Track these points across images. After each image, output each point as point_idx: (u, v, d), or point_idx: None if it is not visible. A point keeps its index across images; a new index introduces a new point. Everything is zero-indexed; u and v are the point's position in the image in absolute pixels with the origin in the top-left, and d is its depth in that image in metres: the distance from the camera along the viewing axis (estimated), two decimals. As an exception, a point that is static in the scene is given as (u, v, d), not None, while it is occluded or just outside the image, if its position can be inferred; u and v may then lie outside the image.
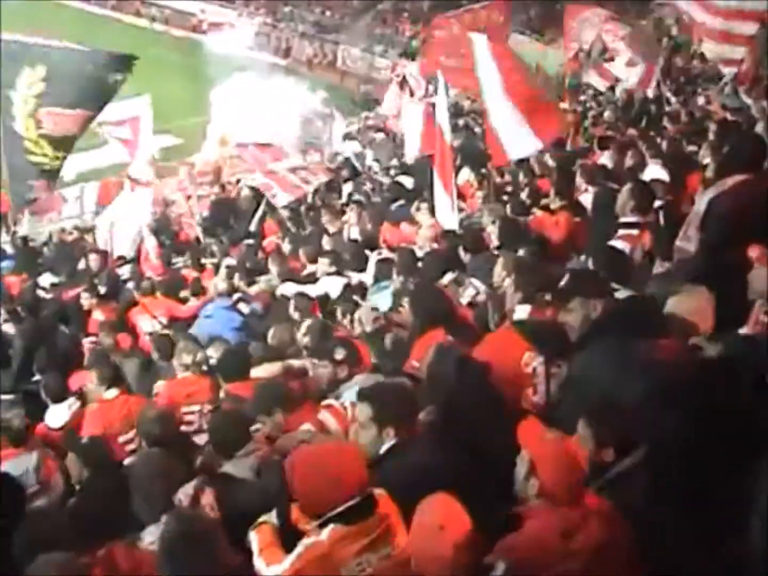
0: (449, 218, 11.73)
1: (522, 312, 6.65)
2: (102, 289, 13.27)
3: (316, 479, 4.55)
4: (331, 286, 11.14)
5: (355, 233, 14.44)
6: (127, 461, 7.58)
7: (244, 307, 11.66)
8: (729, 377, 4.38)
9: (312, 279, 11.73)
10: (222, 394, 8.02)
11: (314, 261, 12.28)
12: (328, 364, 7.54)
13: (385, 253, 11.93)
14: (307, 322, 8.78)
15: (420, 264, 10.46)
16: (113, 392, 8.73)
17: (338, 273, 11.61)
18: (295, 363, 8.01)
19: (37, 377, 10.09)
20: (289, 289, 11.42)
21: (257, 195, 18.78)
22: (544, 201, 12.08)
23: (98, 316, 12.15)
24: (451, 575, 3.88)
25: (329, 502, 4.51)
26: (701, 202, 6.90)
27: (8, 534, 5.82)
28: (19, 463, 7.80)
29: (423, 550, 3.99)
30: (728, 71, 15.81)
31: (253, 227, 18.02)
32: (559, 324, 6.27)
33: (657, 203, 8.50)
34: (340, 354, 7.56)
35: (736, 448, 4.01)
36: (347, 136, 26.95)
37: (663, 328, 5.43)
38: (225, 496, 5.73)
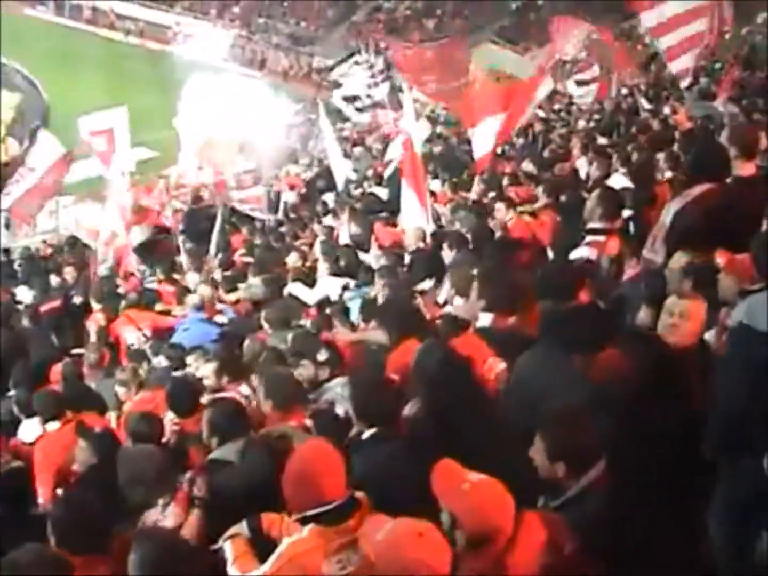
0: (421, 225, 11.82)
1: (485, 319, 6.70)
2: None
3: (298, 478, 4.62)
4: (331, 287, 11.29)
5: (345, 237, 14.43)
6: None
7: (221, 318, 11.69)
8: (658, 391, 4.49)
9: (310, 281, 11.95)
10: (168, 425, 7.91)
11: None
12: (310, 364, 7.60)
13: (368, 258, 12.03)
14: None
15: (405, 264, 10.59)
16: (55, 424, 8.51)
17: (337, 275, 11.73)
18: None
19: (11, 392, 10.01)
20: (296, 289, 11.58)
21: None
22: (524, 207, 12.18)
23: (100, 318, 12.11)
24: None
25: (310, 501, 4.57)
26: (667, 214, 6.97)
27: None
28: None
29: (396, 558, 3.86)
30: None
31: (214, 239, 17.97)
32: (521, 331, 6.36)
33: (627, 213, 8.56)
34: (322, 355, 7.65)
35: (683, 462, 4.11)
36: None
37: (605, 339, 5.48)
38: (212, 480, 5.78)
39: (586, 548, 4.08)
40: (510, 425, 5.06)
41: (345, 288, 11.27)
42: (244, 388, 7.83)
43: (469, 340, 6.51)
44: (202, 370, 8.43)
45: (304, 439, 5.76)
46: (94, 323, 12.04)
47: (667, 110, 21.02)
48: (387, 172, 19.57)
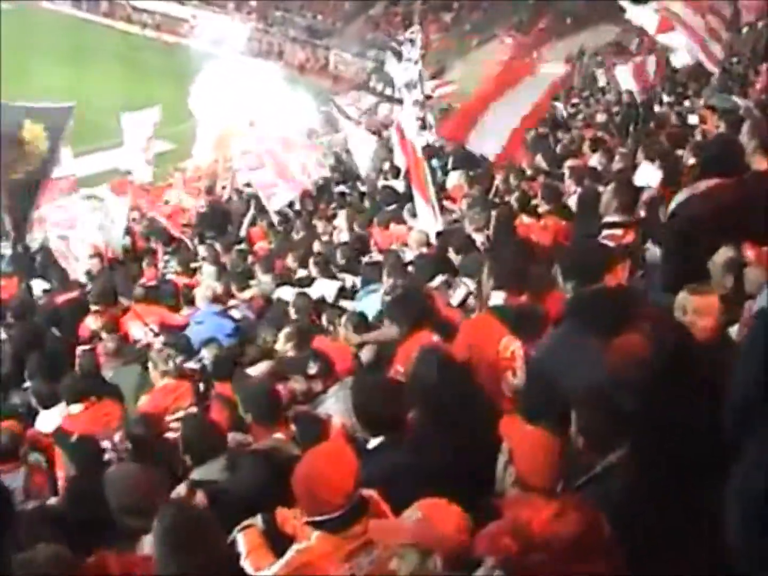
0: (431, 227, 11.83)
1: (497, 298, 6.68)
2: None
3: (310, 481, 4.59)
4: (327, 289, 11.19)
5: (344, 236, 14.44)
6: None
7: (235, 313, 11.67)
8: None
9: (306, 282, 11.75)
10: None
11: (304, 265, 12.38)
12: (302, 379, 7.56)
13: (375, 256, 11.98)
14: (286, 329, 8.74)
15: (410, 267, 10.50)
16: (79, 407, 8.56)
17: (333, 276, 11.65)
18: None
19: (27, 384, 10.03)
20: (285, 293, 11.44)
21: (246, 199, 18.85)
22: (534, 202, 12.14)
23: (91, 323, 12.06)
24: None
25: (318, 505, 4.55)
26: (672, 205, 6.94)
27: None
28: (6, 481, 7.49)
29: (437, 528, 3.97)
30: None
31: (243, 232, 18.04)
32: (536, 308, 6.35)
33: (643, 213, 8.53)
34: (312, 369, 7.59)
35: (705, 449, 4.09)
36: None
37: (626, 323, 5.46)
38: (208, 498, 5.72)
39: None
40: (527, 411, 5.03)
41: (341, 290, 11.22)
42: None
43: (483, 319, 6.52)
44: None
45: (293, 450, 5.76)
46: (86, 328, 11.96)
47: (687, 104, 20.96)
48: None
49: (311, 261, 12.20)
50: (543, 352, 5.87)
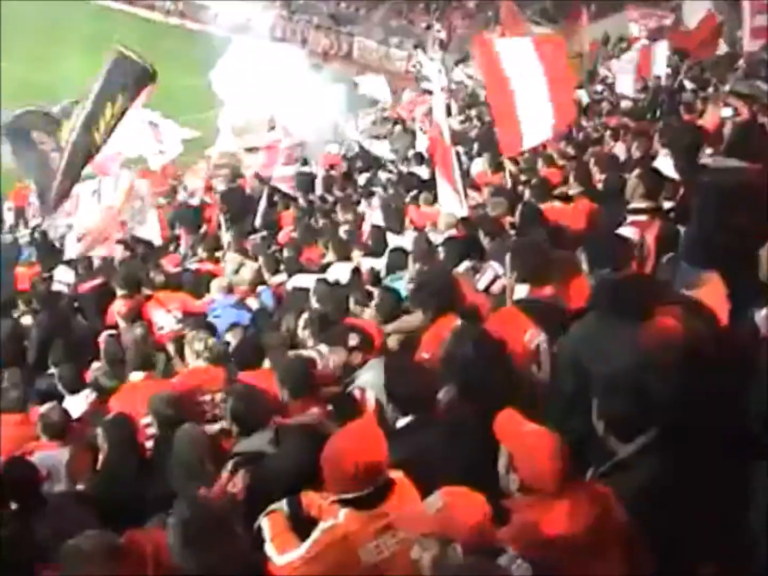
0: (456, 211, 11.81)
1: (521, 291, 6.70)
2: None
3: (339, 459, 4.64)
4: (341, 272, 11.23)
5: (378, 219, 14.37)
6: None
7: (252, 303, 11.69)
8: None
9: (323, 269, 11.79)
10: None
11: (328, 250, 12.43)
12: (342, 350, 7.59)
13: (399, 242, 11.96)
14: (304, 315, 8.74)
15: (439, 250, 10.51)
16: (140, 375, 8.76)
17: (347, 259, 11.70)
18: (305, 353, 7.97)
19: (52, 370, 10.08)
20: (300, 281, 11.43)
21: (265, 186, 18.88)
22: (561, 190, 12.11)
23: (119, 307, 12.11)
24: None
25: (346, 483, 4.60)
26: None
27: (26, 520, 5.93)
28: (50, 458, 7.72)
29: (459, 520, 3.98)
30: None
31: (258, 221, 18.00)
32: (560, 301, 6.34)
33: (668, 204, 8.50)
34: (353, 340, 7.65)
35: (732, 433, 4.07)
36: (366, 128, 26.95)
37: (653, 308, 5.45)
38: (252, 475, 5.79)
39: (631, 516, 4.14)
40: (560, 390, 5.03)
41: (355, 271, 11.23)
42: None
43: (508, 313, 6.52)
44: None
45: (330, 427, 5.75)
46: (112, 313, 12.02)
47: (710, 90, 20.82)
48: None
49: (330, 245, 12.23)
50: (570, 340, 5.85)
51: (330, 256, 12.15)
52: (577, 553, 3.99)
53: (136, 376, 8.77)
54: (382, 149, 24.40)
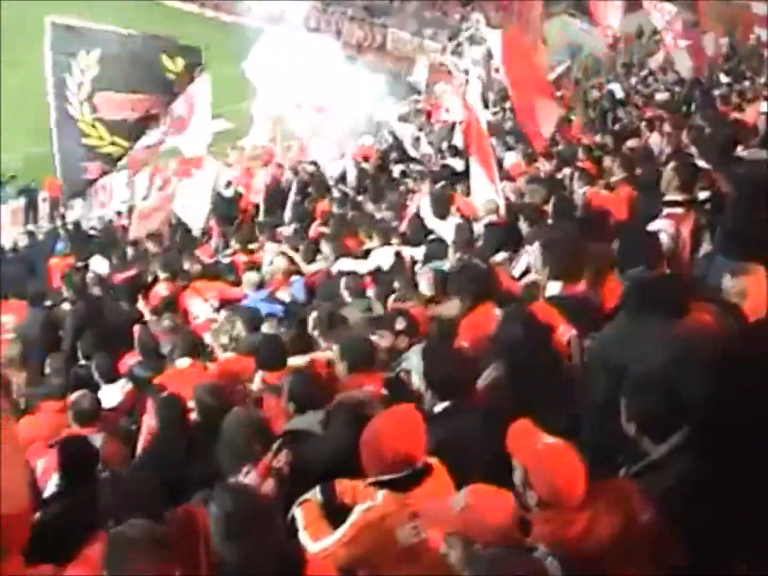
0: (489, 200, 11.82)
1: (554, 288, 6.70)
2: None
3: (380, 441, 4.70)
4: (383, 258, 11.29)
5: (424, 206, 14.36)
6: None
7: (284, 296, 11.70)
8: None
9: (365, 255, 11.89)
10: (257, 382, 8.00)
11: (371, 238, 12.48)
12: (389, 334, 7.64)
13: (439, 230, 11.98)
14: (313, 314, 8.71)
15: (479, 236, 10.59)
16: (186, 361, 8.79)
17: (389, 244, 11.73)
18: (320, 355, 8.00)
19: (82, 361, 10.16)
20: (344, 265, 11.52)
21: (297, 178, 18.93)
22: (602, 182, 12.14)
23: (162, 290, 12.23)
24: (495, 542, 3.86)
25: (385, 465, 4.66)
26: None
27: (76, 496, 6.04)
28: None
29: (477, 517, 3.97)
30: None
31: (287, 213, 18.03)
32: (592, 297, 6.34)
33: (704, 194, 8.47)
34: (400, 324, 7.72)
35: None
36: (401, 119, 26.90)
37: (688, 306, 5.44)
38: (295, 451, 5.80)
39: (664, 516, 4.10)
40: (591, 389, 5.02)
41: (398, 255, 11.28)
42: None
43: (541, 308, 6.53)
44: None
45: (381, 409, 5.79)
46: (156, 295, 12.16)
47: (746, 83, 20.74)
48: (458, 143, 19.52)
49: (374, 232, 12.29)
50: (603, 340, 5.85)
51: (373, 243, 12.17)
52: (603, 559, 3.97)
53: (182, 363, 8.80)
54: (405, 131, 24.38)
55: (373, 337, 7.61)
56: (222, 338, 8.97)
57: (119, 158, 13.55)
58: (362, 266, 11.23)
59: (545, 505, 4.15)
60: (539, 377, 5.50)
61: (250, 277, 12.03)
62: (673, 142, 13.07)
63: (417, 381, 6.45)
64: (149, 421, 7.81)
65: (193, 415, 7.36)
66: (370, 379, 6.72)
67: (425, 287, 8.73)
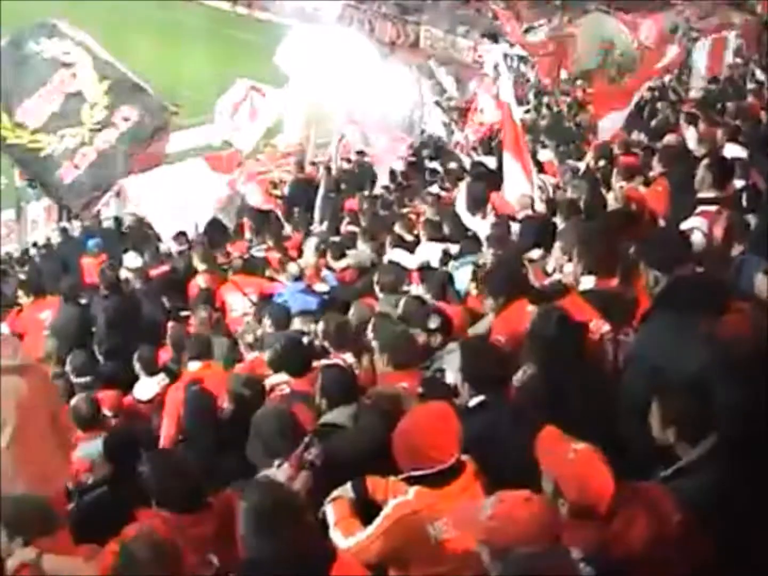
0: (522, 186, 11.83)
1: (588, 282, 6.69)
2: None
3: (415, 436, 4.74)
4: (430, 253, 11.32)
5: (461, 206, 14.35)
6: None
7: (320, 287, 11.75)
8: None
9: (411, 247, 11.97)
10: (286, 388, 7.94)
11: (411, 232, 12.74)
12: (422, 332, 7.63)
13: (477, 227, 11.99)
14: (320, 325, 8.46)
15: (516, 230, 10.65)
16: (197, 364, 8.82)
17: (438, 240, 11.75)
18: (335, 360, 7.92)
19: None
20: (397, 255, 11.58)
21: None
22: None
23: (201, 282, 12.34)
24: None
25: (418, 461, 4.68)
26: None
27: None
28: (87, 448, 7.89)
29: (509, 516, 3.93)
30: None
31: (317, 213, 18.04)
32: (626, 292, 6.32)
33: (739, 184, 8.41)
34: (434, 323, 7.68)
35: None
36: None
37: (725, 306, 5.42)
38: (326, 445, 5.84)
39: (695, 520, 4.08)
40: (628, 393, 5.01)
41: (446, 253, 11.28)
42: (348, 356, 7.87)
43: (573, 302, 6.54)
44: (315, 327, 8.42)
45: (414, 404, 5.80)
46: (195, 286, 12.29)
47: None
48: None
49: (420, 225, 12.28)
50: (638, 343, 5.84)
51: (410, 238, 12.27)
52: (636, 563, 3.97)
53: (193, 366, 8.86)
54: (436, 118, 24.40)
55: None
56: (248, 337, 9.03)
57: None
58: (411, 260, 11.27)
59: (577, 513, 4.14)
60: (574, 377, 5.49)
61: (291, 268, 12.13)
62: (708, 140, 12.99)
63: (452, 378, 6.48)
64: (170, 417, 7.85)
65: (226, 407, 7.40)
66: (407, 377, 6.74)
67: (464, 283, 8.70)
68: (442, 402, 5.23)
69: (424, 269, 10.63)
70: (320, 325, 8.33)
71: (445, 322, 7.77)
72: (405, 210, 16.66)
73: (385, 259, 11.85)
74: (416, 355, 7.24)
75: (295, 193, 19.90)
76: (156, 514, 5.22)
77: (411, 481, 4.70)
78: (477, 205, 12.67)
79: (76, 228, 22.58)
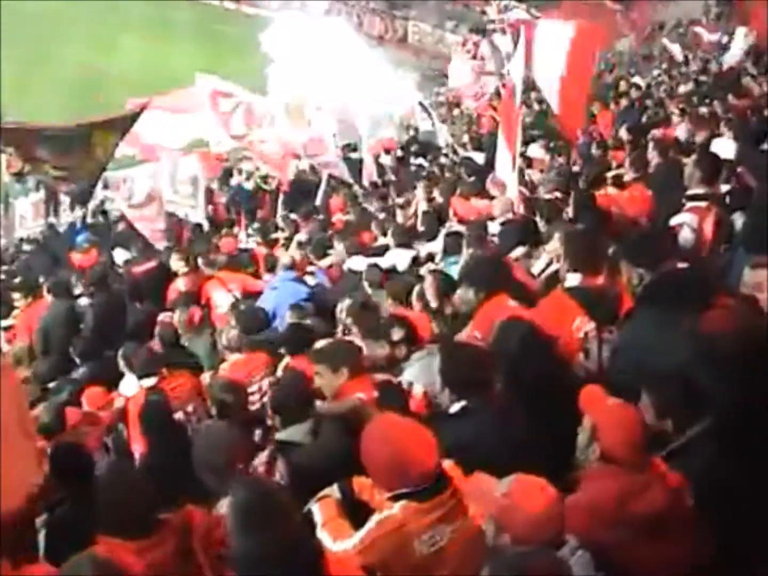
0: (508, 175, 11.82)
1: (573, 280, 6.66)
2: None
3: (386, 456, 4.53)
4: (399, 258, 11.17)
5: (423, 206, 14.34)
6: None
7: (311, 279, 11.74)
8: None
9: (382, 251, 11.75)
10: (280, 369, 7.99)
11: (386, 234, 12.49)
12: (385, 344, 7.47)
13: (456, 227, 11.92)
14: (347, 302, 8.70)
15: (496, 233, 10.53)
16: (151, 381, 8.60)
17: (407, 246, 11.60)
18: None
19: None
20: (356, 263, 11.43)
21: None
22: (615, 172, 12.10)
23: (180, 285, 12.32)
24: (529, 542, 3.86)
25: (400, 479, 4.51)
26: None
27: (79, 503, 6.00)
28: None
29: (523, 510, 3.96)
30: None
31: (318, 201, 18.08)
32: (610, 290, 6.31)
33: (725, 187, 8.42)
34: (396, 334, 7.46)
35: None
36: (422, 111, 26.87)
37: (711, 300, 5.41)
38: (289, 462, 5.77)
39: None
40: (614, 388, 4.98)
41: (415, 259, 11.20)
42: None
43: (559, 298, 6.51)
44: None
45: (373, 414, 5.67)
46: (175, 290, 12.27)
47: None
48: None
49: (390, 230, 12.20)
50: (626, 336, 5.83)
51: (387, 241, 12.12)
52: (647, 533, 4.06)
53: (147, 383, 8.62)
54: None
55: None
56: (223, 340, 9.03)
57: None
58: (378, 263, 11.11)
59: (607, 460, 4.38)
60: (542, 388, 5.48)
61: (283, 257, 12.25)
62: (701, 135, 12.99)
63: (421, 390, 6.42)
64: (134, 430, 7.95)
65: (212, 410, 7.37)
66: (360, 385, 6.49)
67: (430, 295, 8.56)
68: (409, 421, 5.06)
69: (390, 273, 10.52)
70: (345, 301, 8.46)
71: (409, 332, 7.54)
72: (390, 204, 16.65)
73: (345, 267, 11.83)
74: (370, 362, 7.08)
75: (292, 190, 19.85)
76: (109, 540, 5.05)
77: (396, 498, 4.60)
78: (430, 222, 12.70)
79: (63, 224, 22.60)
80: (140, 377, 8.72)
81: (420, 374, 6.80)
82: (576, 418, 4.81)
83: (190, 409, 8.32)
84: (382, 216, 14.63)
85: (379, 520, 4.55)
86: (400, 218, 13.87)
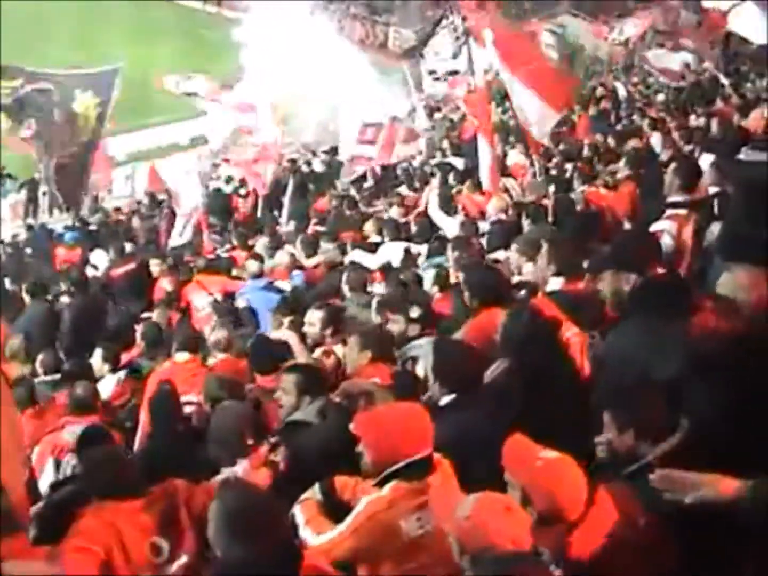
0: (492, 174, 11.96)
1: (555, 284, 6.69)
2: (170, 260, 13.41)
3: (384, 439, 4.67)
4: (392, 253, 11.33)
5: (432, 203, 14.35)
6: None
7: (283, 285, 11.64)
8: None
9: (373, 248, 11.95)
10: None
11: (380, 232, 12.64)
12: (402, 319, 7.63)
13: (441, 232, 11.99)
14: (319, 314, 8.22)
15: (485, 233, 10.68)
16: (185, 356, 8.76)
17: (398, 239, 11.77)
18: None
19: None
20: (357, 256, 11.57)
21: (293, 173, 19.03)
22: (611, 168, 12.20)
23: (165, 285, 12.36)
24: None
25: (399, 455, 4.62)
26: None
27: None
28: (74, 431, 7.66)
29: (483, 535, 3.83)
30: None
31: (285, 212, 18.09)
32: (593, 295, 6.32)
33: (713, 190, 8.46)
34: (415, 312, 7.71)
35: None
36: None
37: (695, 306, 5.44)
38: (293, 443, 5.84)
39: (658, 519, 4.06)
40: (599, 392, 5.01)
41: (408, 251, 11.30)
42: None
43: (541, 304, 6.51)
44: (309, 316, 8.20)
45: (387, 399, 5.82)
46: (161, 290, 12.33)
47: (749, 85, 20.74)
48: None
49: (384, 227, 12.40)
50: (611, 342, 5.82)
51: (377, 237, 12.32)
52: (604, 565, 3.95)
53: (181, 357, 8.77)
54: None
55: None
56: (212, 338, 9.05)
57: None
58: (373, 261, 11.24)
59: (545, 521, 4.08)
60: (546, 375, 5.50)
61: (250, 266, 12.07)
62: (675, 143, 13.09)
63: (423, 370, 6.46)
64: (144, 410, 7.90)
65: (206, 407, 7.38)
66: (378, 371, 6.66)
67: (429, 285, 8.69)
68: (411, 402, 5.19)
69: (386, 269, 10.60)
70: (318, 314, 8.18)
71: (428, 314, 7.79)
72: (372, 210, 16.65)
73: (346, 259, 11.80)
74: (391, 348, 7.16)
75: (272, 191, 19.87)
76: (101, 505, 5.16)
77: (385, 481, 4.65)
78: (447, 205, 12.72)
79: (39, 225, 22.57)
80: (177, 350, 8.84)
81: (424, 354, 6.74)
82: (579, 406, 4.88)
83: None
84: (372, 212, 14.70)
85: (369, 501, 4.63)
86: (393, 214, 13.91)
